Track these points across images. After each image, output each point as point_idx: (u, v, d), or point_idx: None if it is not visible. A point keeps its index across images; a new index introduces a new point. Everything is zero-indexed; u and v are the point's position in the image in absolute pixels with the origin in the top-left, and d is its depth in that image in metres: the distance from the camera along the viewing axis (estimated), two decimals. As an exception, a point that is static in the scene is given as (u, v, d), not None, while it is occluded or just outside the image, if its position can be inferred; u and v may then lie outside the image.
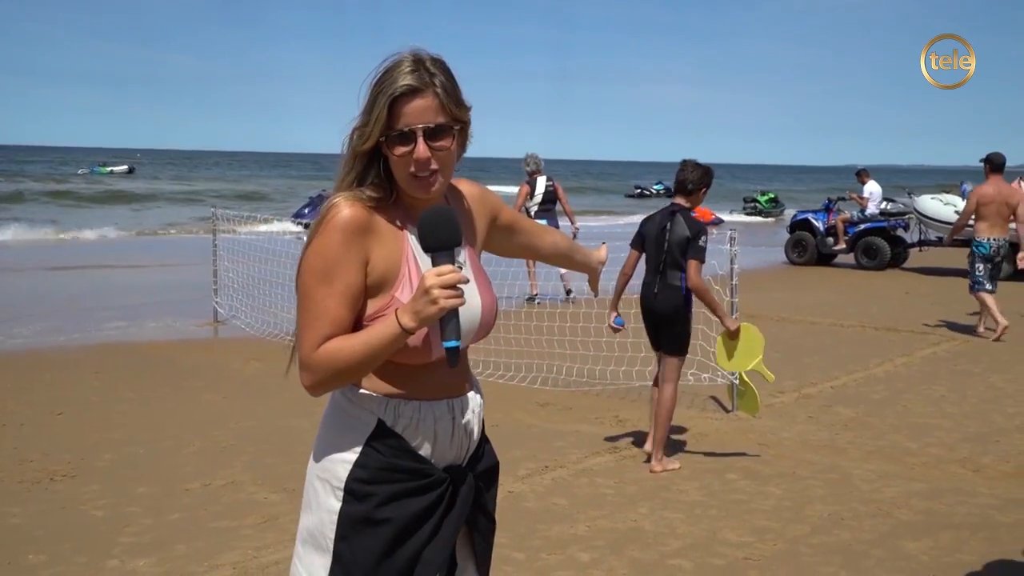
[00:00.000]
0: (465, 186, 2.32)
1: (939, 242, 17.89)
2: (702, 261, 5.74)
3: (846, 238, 18.03)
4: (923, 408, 7.32)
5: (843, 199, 19.60)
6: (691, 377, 7.63)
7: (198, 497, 5.29)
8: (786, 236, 19.44)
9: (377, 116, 1.98)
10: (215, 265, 11.50)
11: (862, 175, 18.90)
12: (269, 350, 9.15)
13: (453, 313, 1.91)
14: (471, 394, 2.21)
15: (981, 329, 10.59)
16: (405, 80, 1.97)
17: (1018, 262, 9.86)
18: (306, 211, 24.26)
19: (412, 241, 2.07)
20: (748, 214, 36.68)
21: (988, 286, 10.37)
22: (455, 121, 2.04)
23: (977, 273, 10.42)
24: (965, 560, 4.44)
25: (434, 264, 1.93)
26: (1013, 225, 10.43)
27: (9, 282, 15.35)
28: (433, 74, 2.01)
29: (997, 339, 10.04)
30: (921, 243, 18.40)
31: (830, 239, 18.25)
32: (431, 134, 2.00)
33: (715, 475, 5.73)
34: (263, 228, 15.91)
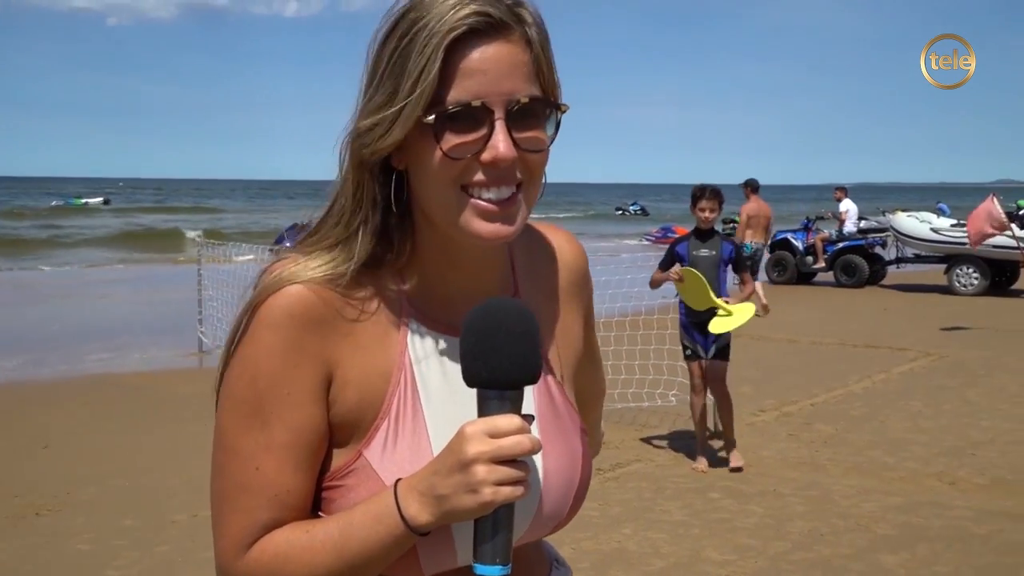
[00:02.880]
0: (563, 240, 1.34)
1: (916, 259, 18.18)
2: (661, 267, 6.40)
3: (825, 256, 18.26)
4: (900, 423, 7.43)
5: (821, 218, 19.87)
6: (673, 398, 7.72)
7: (186, 529, 5.31)
8: (766, 255, 19.63)
9: (421, 76, 1.04)
10: (200, 295, 11.54)
11: (837, 192, 19.26)
12: (253, 379, 9.17)
13: (504, 513, 1.03)
14: None
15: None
16: (474, 6, 1.05)
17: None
18: (285, 236, 24.04)
19: (413, 347, 1.16)
20: (727, 234, 36.94)
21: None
22: (552, 101, 1.12)
23: None
24: (941, 572, 4.54)
25: (482, 410, 1.04)
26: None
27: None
28: (519, 4, 1.11)
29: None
30: (899, 260, 18.66)
31: (809, 258, 18.47)
32: (520, 115, 1.08)
33: (697, 494, 5.81)
34: (246, 257, 15.92)
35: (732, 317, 5.87)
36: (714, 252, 6.28)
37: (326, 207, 1.17)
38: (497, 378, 1.03)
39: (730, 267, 6.38)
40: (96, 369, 10.23)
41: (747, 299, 6.34)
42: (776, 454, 6.64)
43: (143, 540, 5.14)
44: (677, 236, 6.58)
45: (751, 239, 13.54)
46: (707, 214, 6.30)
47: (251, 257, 15.82)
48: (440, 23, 1.04)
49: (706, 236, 6.34)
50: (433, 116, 1.05)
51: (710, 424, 6.89)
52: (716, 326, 5.88)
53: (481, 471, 0.99)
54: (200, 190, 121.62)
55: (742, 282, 6.44)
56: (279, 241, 23.40)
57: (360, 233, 1.13)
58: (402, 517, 1.03)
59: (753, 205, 13.76)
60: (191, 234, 28.93)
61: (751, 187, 13.93)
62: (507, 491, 1.00)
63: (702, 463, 6.37)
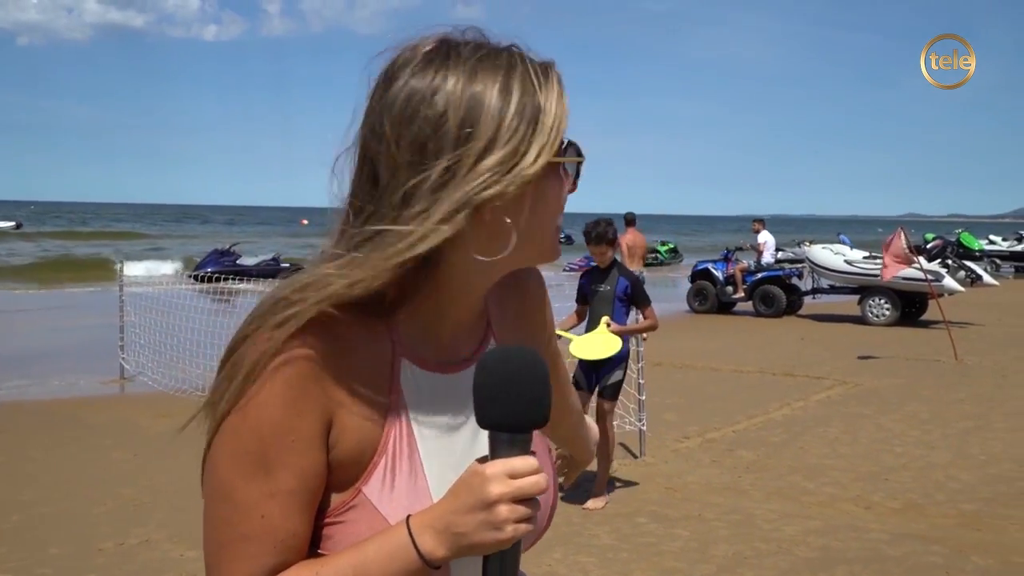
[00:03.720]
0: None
1: (831, 290, 18.80)
2: (577, 300, 6.72)
3: (744, 287, 18.73)
4: (819, 449, 7.70)
5: (740, 249, 20.43)
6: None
7: (112, 557, 5.25)
8: (688, 285, 20.05)
9: (555, 123, 1.12)
10: (122, 321, 11.33)
11: (755, 224, 19.90)
12: (178, 406, 9.03)
13: (511, 551, 1.10)
14: None
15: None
16: (548, 62, 1.18)
17: None
18: (208, 263, 23.75)
19: (407, 387, 1.20)
20: (647, 264, 37.55)
21: None
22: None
23: None
24: (858, 592, 4.73)
25: (495, 451, 1.09)
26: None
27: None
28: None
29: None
30: (814, 291, 19.28)
31: (729, 288, 18.92)
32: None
33: (625, 519, 5.94)
34: (166, 285, 15.69)
35: (590, 346, 6.29)
36: (609, 288, 6.47)
37: (332, 243, 1.15)
38: (511, 422, 1.07)
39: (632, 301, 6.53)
40: (13, 396, 9.97)
41: (642, 331, 6.64)
42: (700, 479, 6.82)
43: (69, 569, 5.05)
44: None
45: (630, 268, 14.22)
46: (599, 258, 6.51)
47: (187, 287, 15.65)
48: (549, 72, 1.14)
49: (606, 272, 6.51)
50: (583, 159, 1.18)
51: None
52: (575, 348, 6.33)
53: (504, 511, 1.04)
54: (116, 214, 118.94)
55: (644, 317, 6.61)
56: (200, 267, 23.10)
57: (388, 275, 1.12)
58: (419, 553, 1.07)
59: (630, 236, 14.89)
60: (119, 264, 27.97)
61: (627, 220, 15.47)
62: (524, 527, 1.06)
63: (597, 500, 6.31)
